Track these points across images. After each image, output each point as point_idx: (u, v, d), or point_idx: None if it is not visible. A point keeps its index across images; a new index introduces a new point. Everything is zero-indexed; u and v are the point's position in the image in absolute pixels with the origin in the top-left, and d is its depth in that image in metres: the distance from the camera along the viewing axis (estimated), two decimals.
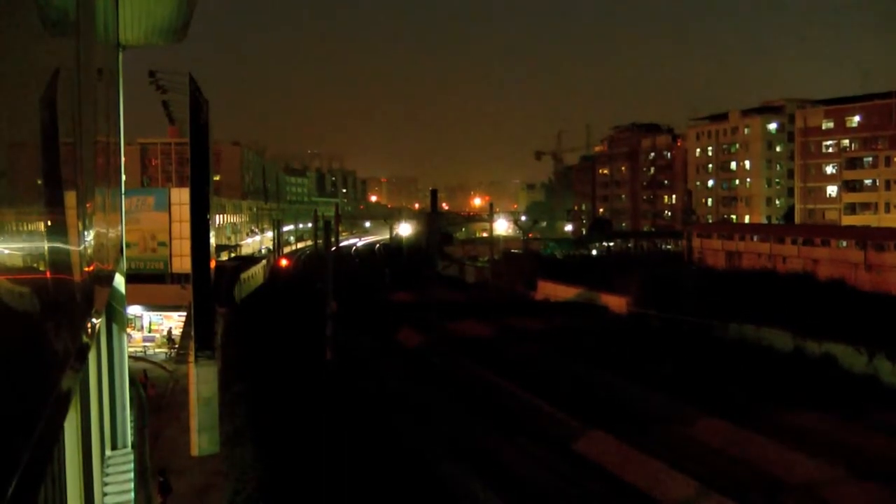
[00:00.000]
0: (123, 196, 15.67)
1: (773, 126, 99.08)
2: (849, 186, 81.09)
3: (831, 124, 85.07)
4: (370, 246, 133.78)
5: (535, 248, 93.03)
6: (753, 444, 23.40)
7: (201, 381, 24.69)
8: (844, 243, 61.98)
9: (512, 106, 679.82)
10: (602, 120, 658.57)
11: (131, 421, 16.92)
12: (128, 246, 22.38)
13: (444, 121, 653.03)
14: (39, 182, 4.02)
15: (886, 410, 27.01)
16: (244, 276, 62.54)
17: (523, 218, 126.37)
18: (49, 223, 4.18)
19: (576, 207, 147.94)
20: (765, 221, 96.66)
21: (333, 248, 47.79)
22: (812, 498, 20.08)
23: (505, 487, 21.51)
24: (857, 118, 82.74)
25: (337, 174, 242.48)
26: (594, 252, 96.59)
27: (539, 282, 63.00)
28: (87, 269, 6.21)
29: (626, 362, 34.99)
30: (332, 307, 34.92)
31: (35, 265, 3.83)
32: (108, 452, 13.32)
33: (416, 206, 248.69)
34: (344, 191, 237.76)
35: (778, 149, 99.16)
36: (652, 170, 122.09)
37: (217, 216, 76.13)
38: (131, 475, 13.45)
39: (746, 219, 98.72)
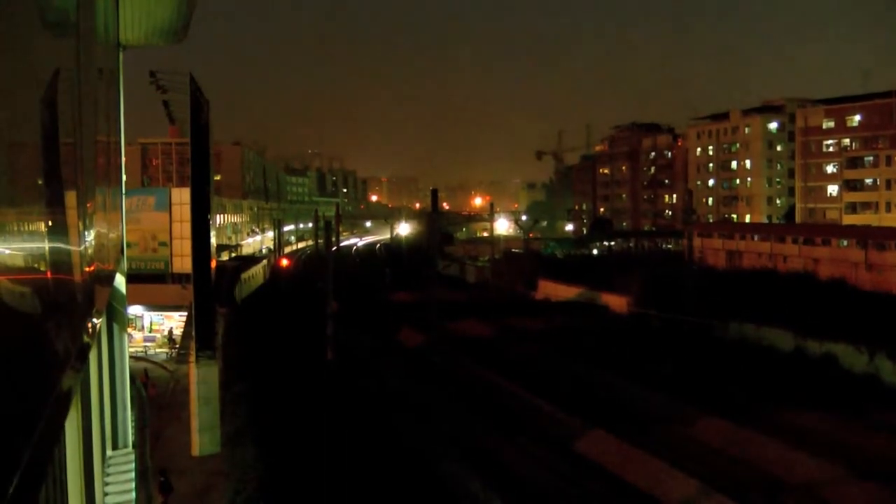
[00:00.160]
0: (124, 196, 15.69)
1: (773, 125, 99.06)
2: (849, 186, 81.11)
3: (832, 124, 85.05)
4: (371, 246, 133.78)
5: (536, 248, 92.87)
6: (754, 444, 23.41)
7: (202, 380, 24.71)
8: (845, 243, 61.97)
9: (512, 106, 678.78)
10: (602, 120, 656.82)
11: (132, 421, 16.95)
12: (128, 246, 22.42)
13: (445, 121, 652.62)
14: (40, 182, 4.03)
15: (887, 410, 26.99)
16: (245, 275, 62.56)
17: (524, 217, 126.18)
18: (50, 223, 4.19)
19: (576, 207, 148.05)
20: (765, 221, 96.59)
21: (334, 248, 47.82)
22: (812, 498, 20.07)
23: (505, 487, 21.51)
24: (857, 117, 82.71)
25: (337, 174, 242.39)
26: (595, 252, 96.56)
27: (539, 281, 63.02)
28: (87, 269, 6.22)
29: (626, 362, 34.99)
30: (333, 307, 35.00)
31: (36, 265, 3.84)
32: (108, 452, 13.33)
33: (417, 205, 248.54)
34: (344, 190, 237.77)
35: (778, 148, 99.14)
36: (652, 169, 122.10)
37: (218, 216, 76.10)
38: (132, 475, 13.47)
39: (747, 218, 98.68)
